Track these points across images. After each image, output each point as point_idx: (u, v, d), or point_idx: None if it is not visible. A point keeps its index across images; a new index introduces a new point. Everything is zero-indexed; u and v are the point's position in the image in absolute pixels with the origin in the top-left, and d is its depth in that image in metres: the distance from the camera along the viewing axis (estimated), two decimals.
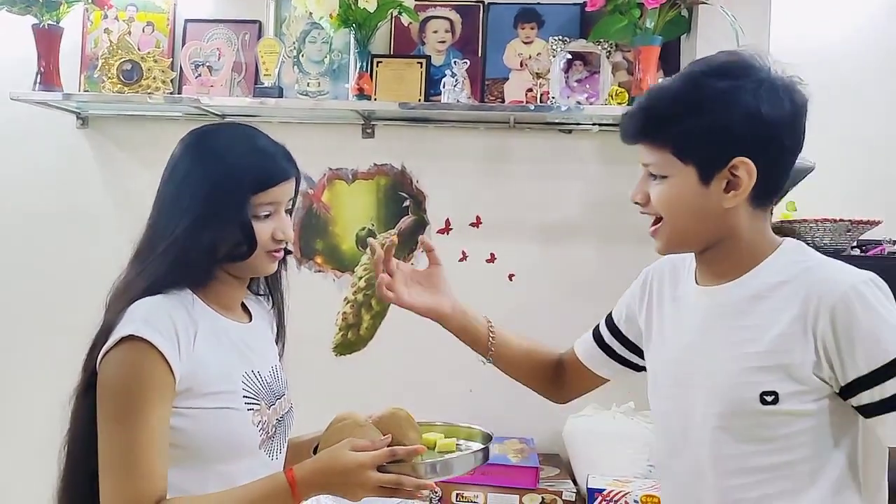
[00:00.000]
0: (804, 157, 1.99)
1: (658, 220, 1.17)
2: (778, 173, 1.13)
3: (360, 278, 2.40)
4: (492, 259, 2.38)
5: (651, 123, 1.14)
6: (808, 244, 2.02)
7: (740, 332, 1.13)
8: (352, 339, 2.41)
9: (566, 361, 1.49)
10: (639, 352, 1.38)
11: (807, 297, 1.08)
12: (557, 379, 1.49)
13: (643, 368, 1.38)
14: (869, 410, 1.07)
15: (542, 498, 1.98)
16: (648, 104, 1.15)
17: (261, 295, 1.41)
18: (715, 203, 1.11)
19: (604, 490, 1.92)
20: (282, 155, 1.24)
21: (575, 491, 2.01)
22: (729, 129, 1.08)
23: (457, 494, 1.98)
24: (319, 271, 2.41)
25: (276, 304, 1.41)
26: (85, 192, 2.43)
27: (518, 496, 1.97)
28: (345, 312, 2.41)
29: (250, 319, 1.33)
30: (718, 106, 1.09)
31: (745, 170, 1.09)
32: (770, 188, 1.14)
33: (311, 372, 2.34)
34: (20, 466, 2.28)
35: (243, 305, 1.33)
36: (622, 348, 1.41)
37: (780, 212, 2.17)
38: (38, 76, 2.26)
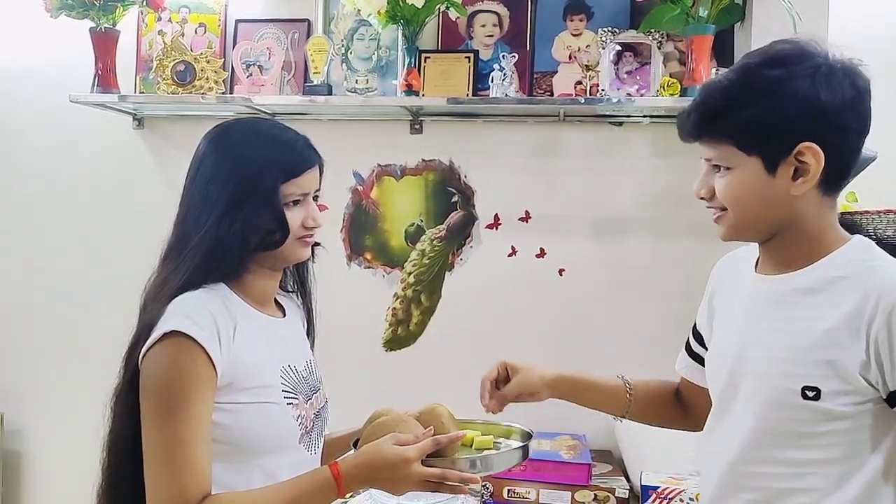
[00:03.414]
0: (866, 147, 1.94)
1: (723, 209, 1.15)
2: (846, 156, 1.10)
3: (410, 274, 2.40)
4: (541, 254, 2.36)
5: (709, 119, 1.12)
6: (869, 236, 1.97)
7: (792, 323, 1.11)
8: (402, 335, 2.42)
9: (681, 386, 1.46)
10: None
11: (865, 295, 1.05)
12: (682, 408, 1.45)
13: None
14: None
15: (595, 494, 1.96)
16: (704, 100, 1.14)
17: (290, 291, 1.42)
18: (782, 191, 1.09)
19: (658, 487, 1.88)
20: (305, 144, 1.26)
21: (628, 488, 1.98)
22: (788, 116, 1.06)
23: (508, 490, 1.98)
24: (369, 267, 2.43)
25: (304, 299, 1.42)
26: (141, 192, 2.49)
27: (570, 493, 1.96)
28: (394, 308, 2.42)
29: (284, 315, 1.34)
30: (775, 94, 1.06)
31: (812, 155, 1.06)
32: (839, 172, 1.11)
33: (360, 367, 2.37)
34: (63, 465, 2.36)
35: (276, 301, 1.34)
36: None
37: (841, 203, 2.10)
38: (96, 78, 2.31)
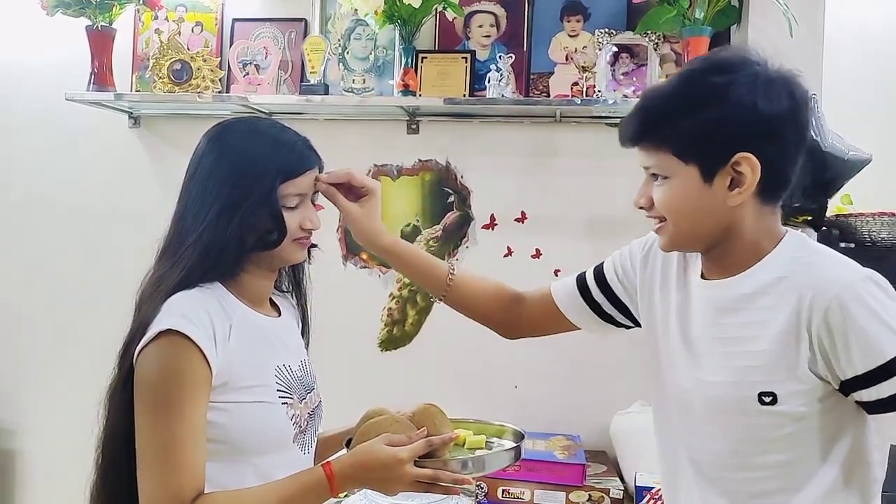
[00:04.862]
0: (860, 149, 1.95)
1: (662, 219, 1.16)
2: (783, 167, 1.11)
3: None
4: (537, 255, 2.36)
5: (649, 125, 1.12)
6: (864, 238, 1.99)
7: (740, 329, 1.12)
8: (397, 335, 2.42)
9: (532, 302, 1.48)
10: (624, 309, 1.39)
11: (802, 294, 1.06)
12: (511, 316, 1.49)
13: (622, 325, 1.41)
14: (869, 407, 1.07)
15: (589, 495, 1.96)
16: (645, 105, 1.14)
17: (285, 291, 1.41)
18: (719, 201, 1.10)
19: (652, 488, 1.89)
20: (304, 145, 1.26)
21: (622, 489, 1.99)
22: (727, 124, 1.07)
23: (503, 490, 1.98)
24: (365, 267, 2.43)
25: (299, 299, 1.42)
26: (137, 190, 2.48)
27: (565, 493, 1.96)
28: (390, 308, 2.42)
29: (279, 314, 1.34)
30: (714, 102, 1.07)
31: (748, 165, 1.07)
32: (776, 183, 1.11)
33: (356, 367, 2.37)
34: (57, 464, 2.33)
35: (271, 301, 1.34)
36: (608, 305, 1.40)
37: (835, 205, 2.11)
38: (92, 77, 2.31)
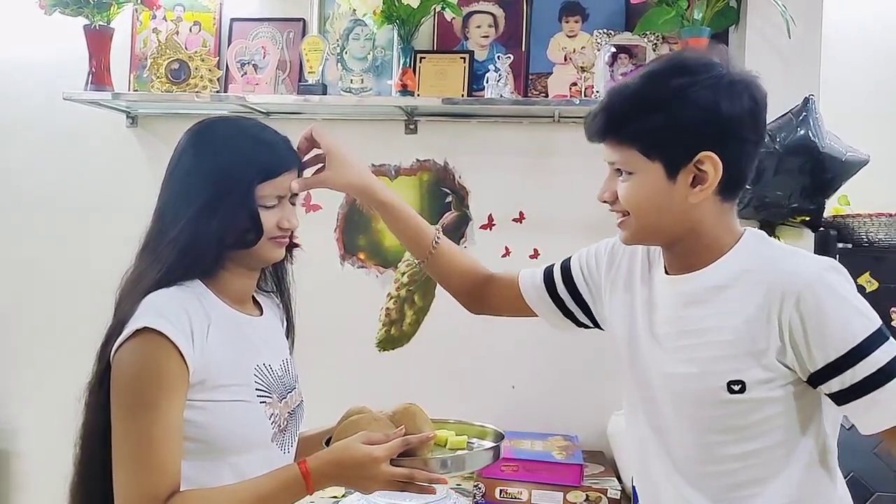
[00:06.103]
0: (857, 150, 1.95)
1: (626, 213, 1.19)
2: (743, 165, 1.15)
3: (403, 274, 2.40)
4: (535, 255, 2.36)
5: (616, 122, 1.16)
6: (861, 239, 1.99)
7: (705, 321, 1.14)
8: (395, 335, 2.42)
9: (501, 283, 1.52)
10: (586, 308, 1.42)
11: (770, 286, 1.09)
12: (479, 293, 1.53)
13: (583, 324, 1.44)
14: (841, 397, 1.08)
15: (587, 495, 1.96)
16: (611, 103, 1.17)
17: (269, 291, 1.41)
18: (681, 198, 1.13)
19: None
20: (285, 145, 1.26)
21: (620, 489, 1.98)
22: (691, 124, 1.10)
23: (500, 491, 1.97)
24: (362, 267, 2.43)
25: (283, 299, 1.41)
26: (134, 190, 2.47)
27: (562, 493, 1.96)
28: (388, 308, 2.42)
29: (261, 313, 1.33)
30: (679, 102, 1.10)
31: (711, 164, 1.10)
32: (736, 181, 1.15)
33: (353, 367, 2.37)
34: (53, 464, 2.32)
35: (254, 300, 1.34)
36: (571, 302, 1.43)
37: (833, 206, 2.11)
38: (90, 76, 2.31)
